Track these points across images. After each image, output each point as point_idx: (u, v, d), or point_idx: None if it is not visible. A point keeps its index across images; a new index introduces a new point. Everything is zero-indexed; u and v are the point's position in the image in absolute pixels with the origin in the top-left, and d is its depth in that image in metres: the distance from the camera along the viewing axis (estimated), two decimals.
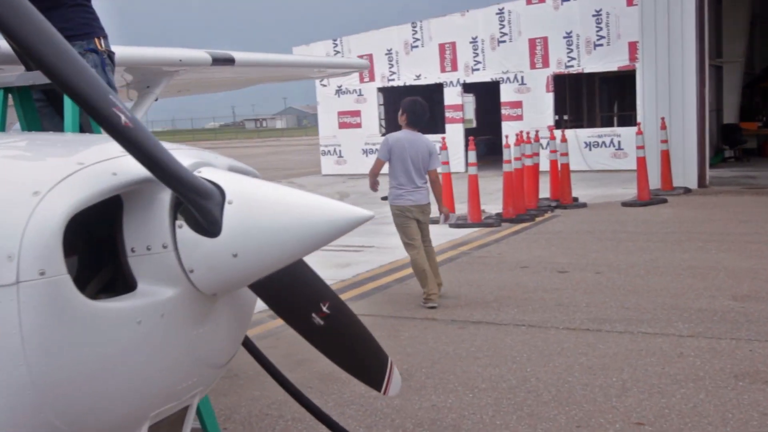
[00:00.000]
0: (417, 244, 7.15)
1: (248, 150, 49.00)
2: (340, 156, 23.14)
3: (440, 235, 11.00)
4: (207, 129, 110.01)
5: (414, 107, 7.01)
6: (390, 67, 22.37)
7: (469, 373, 5.19)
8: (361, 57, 22.57)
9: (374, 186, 7.26)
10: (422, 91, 24.08)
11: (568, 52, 19.73)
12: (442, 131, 21.29)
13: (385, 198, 7.40)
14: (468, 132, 27.77)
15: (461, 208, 12.32)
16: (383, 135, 23.36)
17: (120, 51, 4.13)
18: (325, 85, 23.04)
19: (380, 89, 23.05)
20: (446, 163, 12.42)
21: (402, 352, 5.70)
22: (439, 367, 5.33)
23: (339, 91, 22.96)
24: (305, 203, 1.84)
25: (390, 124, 26.46)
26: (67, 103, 2.79)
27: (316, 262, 8.05)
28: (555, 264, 8.56)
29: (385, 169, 7.10)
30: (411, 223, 7.15)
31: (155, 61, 4.36)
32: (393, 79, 22.48)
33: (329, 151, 23.30)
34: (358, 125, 22.90)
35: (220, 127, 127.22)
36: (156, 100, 4.85)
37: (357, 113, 22.91)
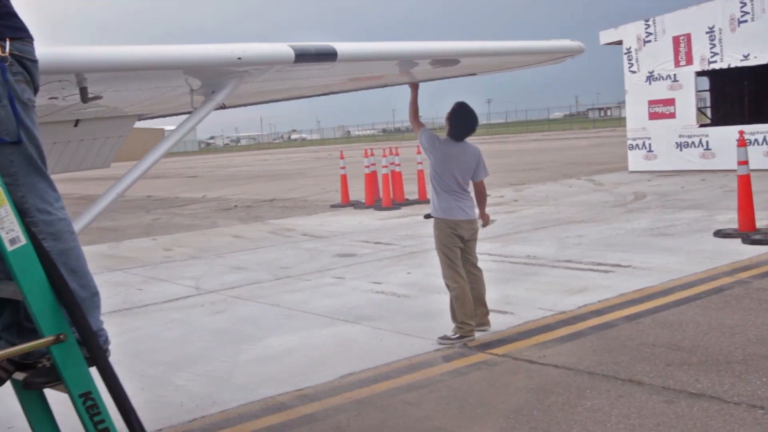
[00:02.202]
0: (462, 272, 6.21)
1: (571, 142, 47.04)
2: (650, 150, 20.71)
3: (722, 255, 8.85)
4: (549, 119, 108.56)
5: (462, 121, 6.15)
6: (711, 47, 19.42)
7: None
8: (677, 37, 20.04)
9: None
10: (751, 74, 20.77)
11: None
12: None
13: (428, 216, 6.40)
14: None
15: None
16: (701, 126, 20.59)
17: (151, 51, 3.31)
18: (634, 72, 20.79)
19: (699, 73, 20.19)
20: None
21: None
22: None
23: (650, 78, 20.53)
24: None
25: (716, 113, 23.27)
26: None
27: (549, 282, 6.76)
28: None
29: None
30: (456, 244, 6.18)
31: (198, 60, 3.45)
32: (715, 61, 19.49)
33: (637, 145, 20.97)
34: (672, 115, 20.26)
35: (564, 117, 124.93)
36: (223, 107, 3.98)
37: (670, 102, 20.28)
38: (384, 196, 16.63)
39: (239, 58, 3.50)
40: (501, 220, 13.36)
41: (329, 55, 3.88)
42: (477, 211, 6.41)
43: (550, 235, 11.24)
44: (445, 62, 5.01)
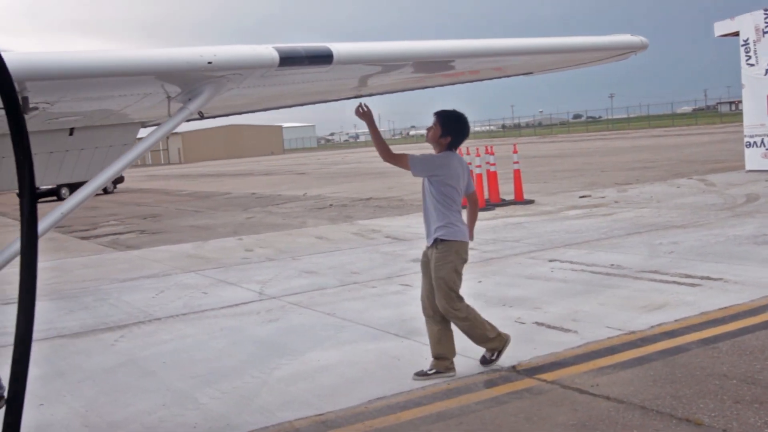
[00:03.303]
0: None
1: (693, 138, 44.70)
2: None
3: None
4: (674, 114, 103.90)
5: (466, 129, 5.52)
6: None
7: None
8: None
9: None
10: None
11: None
12: None
13: (441, 239, 5.41)
14: None
15: None
16: None
17: (105, 56, 3.05)
18: (752, 65, 19.31)
19: None
20: None
21: None
22: None
23: None
24: None
25: None
26: None
27: (627, 295, 6.17)
28: None
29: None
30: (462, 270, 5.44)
31: (161, 66, 3.14)
32: None
33: (755, 143, 19.46)
34: None
35: (692, 111, 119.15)
36: (200, 116, 3.66)
37: None
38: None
39: (209, 63, 3.16)
40: (596, 223, 12.61)
41: (323, 58, 3.48)
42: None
43: (643, 242, 10.43)
44: (466, 63, 4.50)
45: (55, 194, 32.97)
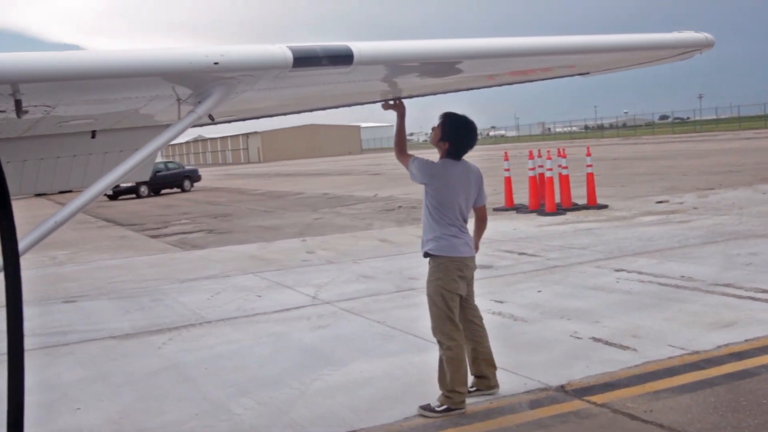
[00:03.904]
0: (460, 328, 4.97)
1: None
2: None
3: None
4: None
5: (468, 138, 4.99)
6: None
7: None
8: None
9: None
10: None
11: None
12: None
13: (428, 254, 5.03)
14: None
15: None
16: None
17: (103, 56, 2.91)
18: None
19: None
20: None
21: None
22: None
23: None
24: None
25: None
26: None
27: (695, 311, 5.73)
28: None
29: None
30: (460, 289, 4.95)
31: (164, 67, 2.97)
32: None
33: None
34: None
35: None
36: (212, 120, 3.48)
37: None
38: (548, 200, 15.58)
39: (216, 63, 2.97)
40: (671, 230, 12.03)
41: (342, 58, 3.24)
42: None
43: (719, 252, 9.85)
44: (500, 64, 4.19)
45: (134, 192, 33.96)
